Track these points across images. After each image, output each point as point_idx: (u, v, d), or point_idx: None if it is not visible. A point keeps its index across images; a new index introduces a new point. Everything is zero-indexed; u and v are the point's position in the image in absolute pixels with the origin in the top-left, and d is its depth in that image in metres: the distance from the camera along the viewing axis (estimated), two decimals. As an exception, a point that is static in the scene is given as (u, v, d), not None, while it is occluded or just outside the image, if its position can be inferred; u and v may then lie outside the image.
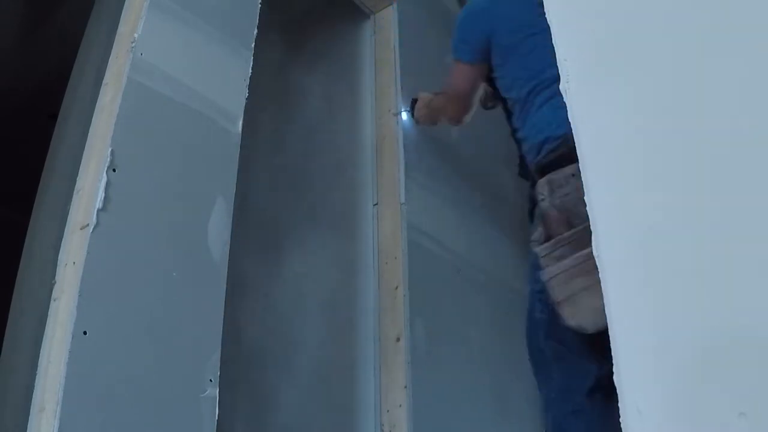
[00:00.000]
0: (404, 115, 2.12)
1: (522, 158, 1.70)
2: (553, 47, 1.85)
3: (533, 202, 1.59)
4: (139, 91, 1.25)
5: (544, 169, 1.52)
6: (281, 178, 2.40)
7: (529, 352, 1.60)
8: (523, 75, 1.67)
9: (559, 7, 0.67)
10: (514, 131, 1.72)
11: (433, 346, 1.89)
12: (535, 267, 1.51)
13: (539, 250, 1.48)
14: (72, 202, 1.16)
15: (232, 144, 1.40)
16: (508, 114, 1.77)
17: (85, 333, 1.03)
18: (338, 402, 1.88)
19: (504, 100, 1.79)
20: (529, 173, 1.64)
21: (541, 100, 1.61)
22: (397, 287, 1.86)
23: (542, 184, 1.51)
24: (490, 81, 1.85)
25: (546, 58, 1.63)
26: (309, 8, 2.64)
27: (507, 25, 1.74)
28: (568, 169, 1.45)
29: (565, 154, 1.44)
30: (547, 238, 1.48)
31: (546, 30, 1.91)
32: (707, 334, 0.48)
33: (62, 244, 1.13)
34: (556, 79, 1.79)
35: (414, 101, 2.10)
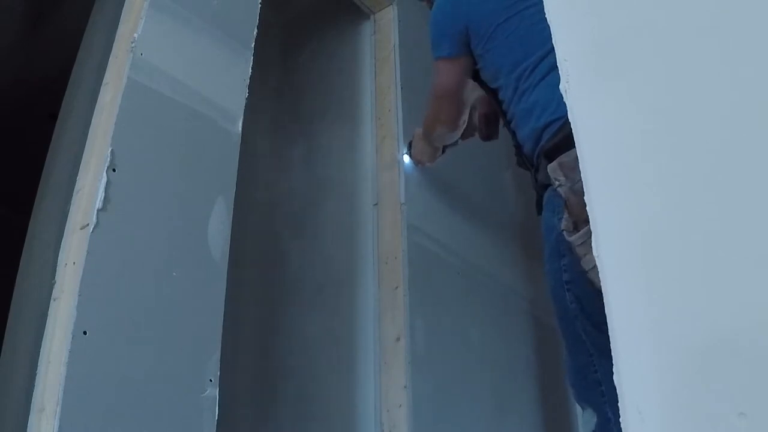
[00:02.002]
0: (405, 158, 2.07)
1: (518, 147, 1.64)
2: (532, 26, 1.80)
3: (541, 190, 1.54)
4: (139, 91, 1.25)
5: (551, 154, 1.46)
6: (280, 177, 2.41)
7: (567, 350, 1.51)
8: (507, 61, 1.62)
9: (559, 7, 0.67)
10: (508, 122, 1.67)
11: (433, 346, 1.89)
12: (559, 255, 1.45)
13: (573, 239, 1.44)
14: (72, 202, 1.16)
15: (232, 144, 1.40)
16: (499, 104, 1.72)
17: (85, 333, 1.03)
18: (338, 402, 1.88)
19: (494, 93, 1.74)
20: (529, 162, 1.59)
21: (531, 83, 1.55)
22: (397, 287, 1.86)
23: (554, 168, 1.45)
24: (482, 84, 1.80)
25: (528, 39, 1.61)
26: (309, 8, 2.65)
27: (483, 11, 1.69)
28: (576, 151, 1.39)
29: (569, 134, 1.38)
30: (575, 224, 1.44)
31: (521, 12, 1.85)
32: (707, 334, 0.48)
33: (62, 244, 1.13)
34: (543, 57, 1.74)
35: (410, 143, 2.05)
